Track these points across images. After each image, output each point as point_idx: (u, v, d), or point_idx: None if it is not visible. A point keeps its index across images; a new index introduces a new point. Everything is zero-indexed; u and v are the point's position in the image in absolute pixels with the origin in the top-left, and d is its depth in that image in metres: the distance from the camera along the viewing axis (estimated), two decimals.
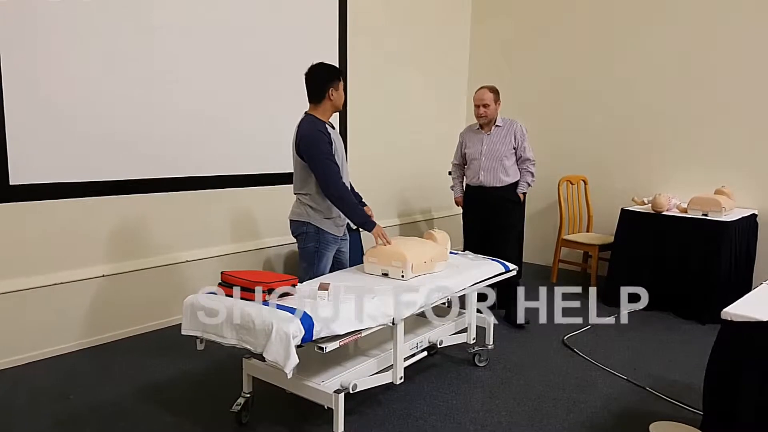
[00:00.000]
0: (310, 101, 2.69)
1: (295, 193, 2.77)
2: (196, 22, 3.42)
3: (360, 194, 3.00)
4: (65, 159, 2.98)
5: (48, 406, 2.47)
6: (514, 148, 3.62)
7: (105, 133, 3.11)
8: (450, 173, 3.99)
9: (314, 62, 2.69)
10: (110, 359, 2.98)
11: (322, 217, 2.71)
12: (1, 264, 2.82)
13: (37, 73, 2.84)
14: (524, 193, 3.69)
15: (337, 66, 2.66)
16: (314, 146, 2.58)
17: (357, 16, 4.36)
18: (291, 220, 2.78)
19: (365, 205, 2.95)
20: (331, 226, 2.74)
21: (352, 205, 2.65)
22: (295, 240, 2.80)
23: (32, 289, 2.92)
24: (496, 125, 3.64)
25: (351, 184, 2.90)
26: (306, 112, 2.71)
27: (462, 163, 3.85)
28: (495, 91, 3.60)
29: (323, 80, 2.64)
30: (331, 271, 2.82)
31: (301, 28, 4.00)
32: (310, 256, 2.73)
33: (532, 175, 3.69)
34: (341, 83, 2.69)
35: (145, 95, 3.25)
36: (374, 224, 2.68)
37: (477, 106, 3.60)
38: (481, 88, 3.62)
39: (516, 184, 3.65)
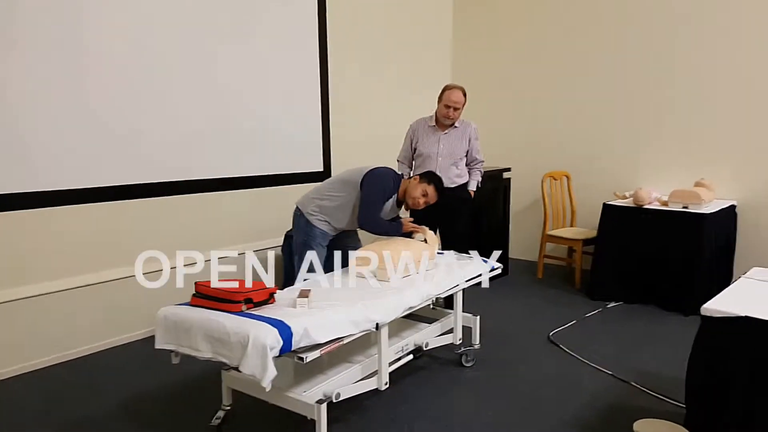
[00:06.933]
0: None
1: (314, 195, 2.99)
2: (195, 26, 3.36)
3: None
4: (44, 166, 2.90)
5: (28, 422, 2.39)
6: (467, 150, 3.56)
7: (97, 138, 3.03)
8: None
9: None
10: (90, 372, 2.91)
11: (318, 212, 2.90)
12: None
13: (38, 77, 2.76)
14: (474, 191, 3.65)
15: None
16: (377, 185, 2.82)
17: (335, 20, 4.31)
18: (296, 206, 3.04)
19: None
20: (321, 223, 2.90)
21: (383, 228, 2.86)
22: (278, 244, 2.86)
23: (9, 302, 2.83)
24: (454, 126, 3.52)
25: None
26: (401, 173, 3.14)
27: (411, 158, 3.63)
28: (466, 95, 3.47)
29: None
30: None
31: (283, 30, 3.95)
32: (299, 248, 2.91)
33: (481, 173, 3.67)
34: (418, 198, 2.89)
35: (138, 100, 3.21)
36: (401, 224, 2.91)
37: (448, 107, 3.40)
38: (456, 88, 3.41)
39: (465, 183, 3.61)
